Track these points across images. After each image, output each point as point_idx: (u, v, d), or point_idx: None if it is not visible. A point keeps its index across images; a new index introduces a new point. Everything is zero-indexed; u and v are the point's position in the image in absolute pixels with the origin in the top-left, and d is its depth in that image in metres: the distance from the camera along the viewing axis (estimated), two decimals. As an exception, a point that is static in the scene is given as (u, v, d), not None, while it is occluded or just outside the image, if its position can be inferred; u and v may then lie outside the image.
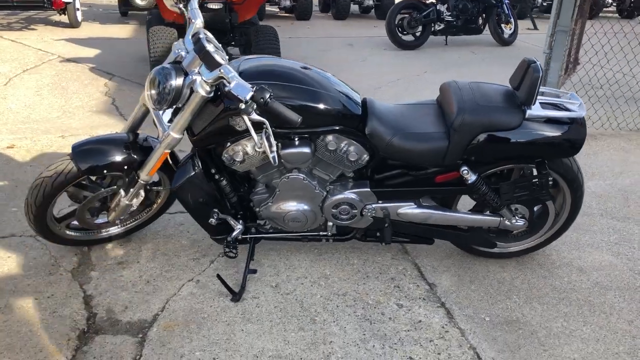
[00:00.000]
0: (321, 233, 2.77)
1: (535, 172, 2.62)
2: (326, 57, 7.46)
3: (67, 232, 2.78)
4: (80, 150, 2.53)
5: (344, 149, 2.51)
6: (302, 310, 2.51)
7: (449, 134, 2.48)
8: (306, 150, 2.46)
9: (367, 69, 6.95)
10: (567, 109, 2.52)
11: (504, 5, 8.58)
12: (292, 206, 2.62)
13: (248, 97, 2.12)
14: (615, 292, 2.73)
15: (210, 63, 2.26)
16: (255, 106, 2.15)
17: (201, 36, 2.30)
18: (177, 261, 2.84)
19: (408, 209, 2.65)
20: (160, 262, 2.82)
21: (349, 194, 2.60)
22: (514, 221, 2.69)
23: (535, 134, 2.47)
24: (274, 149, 2.24)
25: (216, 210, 2.61)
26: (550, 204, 2.73)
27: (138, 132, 2.71)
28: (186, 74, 2.34)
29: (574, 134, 2.49)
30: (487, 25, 8.66)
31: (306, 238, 2.79)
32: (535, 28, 10.47)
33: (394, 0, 11.23)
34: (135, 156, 2.55)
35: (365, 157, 2.54)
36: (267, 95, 2.13)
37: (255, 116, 2.18)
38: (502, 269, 2.88)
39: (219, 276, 2.63)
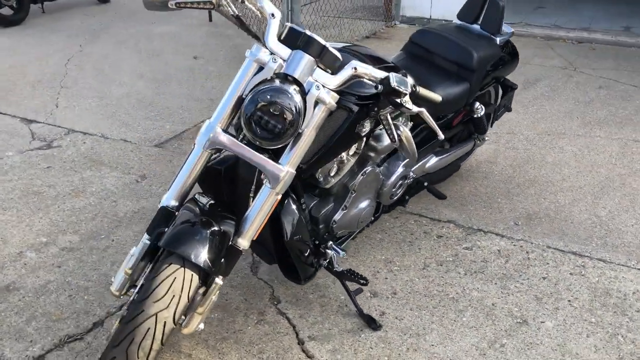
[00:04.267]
0: None
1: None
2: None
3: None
4: (192, 250, 1.61)
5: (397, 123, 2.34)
6: (431, 298, 2.37)
7: (463, 76, 2.59)
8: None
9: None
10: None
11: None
12: (364, 203, 2.33)
13: (410, 87, 1.80)
14: (518, 179, 3.44)
15: (335, 63, 1.79)
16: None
17: (308, 32, 1.76)
18: (248, 337, 2.17)
19: (432, 161, 2.69)
20: (240, 352, 2.11)
21: (401, 168, 2.46)
22: (484, 139, 3.04)
23: (508, 57, 2.83)
24: (442, 136, 1.98)
25: (331, 242, 2.12)
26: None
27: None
28: (300, 87, 1.75)
29: (514, 50, 2.95)
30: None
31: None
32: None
33: None
34: (223, 226, 1.78)
35: (409, 124, 2.43)
36: (414, 81, 1.86)
37: (415, 107, 1.87)
38: (460, 187, 3.22)
39: (361, 313, 2.20)
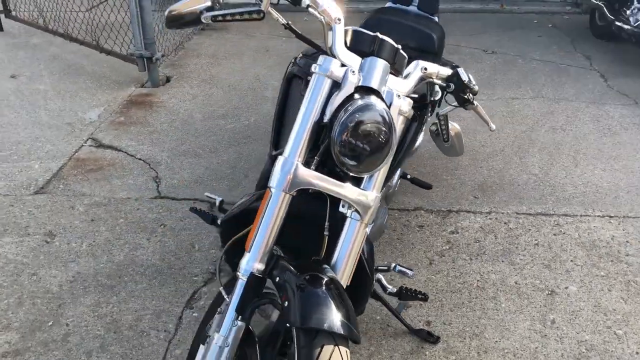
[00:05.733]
0: None
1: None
2: None
3: None
4: (336, 321, 1.30)
5: None
6: (460, 293, 2.30)
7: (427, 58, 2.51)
8: None
9: None
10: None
11: None
12: (383, 211, 2.15)
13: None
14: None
15: (404, 65, 1.61)
16: None
17: (380, 35, 1.55)
18: None
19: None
20: None
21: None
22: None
23: (445, 34, 2.81)
24: (493, 126, 1.88)
25: (394, 263, 1.91)
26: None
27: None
28: (381, 98, 1.52)
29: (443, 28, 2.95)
30: None
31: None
32: None
33: None
34: (329, 275, 1.49)
35: None
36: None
37: (475, 101, 1.77)
38: (399, 170, 3.18)
39: (412, 330, 2.03)
